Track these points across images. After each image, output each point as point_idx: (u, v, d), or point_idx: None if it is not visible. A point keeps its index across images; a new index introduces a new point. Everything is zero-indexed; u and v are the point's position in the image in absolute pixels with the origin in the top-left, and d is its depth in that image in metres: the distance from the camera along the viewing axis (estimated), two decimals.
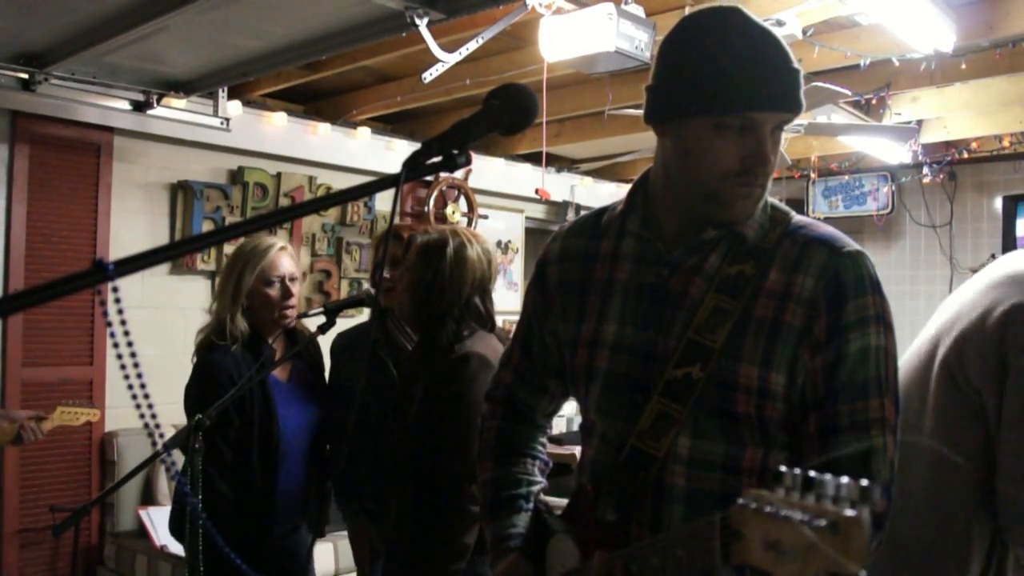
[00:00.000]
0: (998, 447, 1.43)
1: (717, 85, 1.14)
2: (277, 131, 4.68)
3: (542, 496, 1.43)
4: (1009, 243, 6.04)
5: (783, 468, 0.80)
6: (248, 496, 2.22)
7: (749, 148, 1.16)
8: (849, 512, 0.73)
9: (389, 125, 5.49)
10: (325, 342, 2.55)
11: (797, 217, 1.27)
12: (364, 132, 5.07)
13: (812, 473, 0.77)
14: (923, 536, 1.51)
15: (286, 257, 2.34)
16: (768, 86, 1.14)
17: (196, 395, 2.24)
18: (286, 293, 2.30)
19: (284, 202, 4.72)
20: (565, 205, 6.37)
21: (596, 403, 1.29)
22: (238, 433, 2.21)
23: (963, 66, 3.97)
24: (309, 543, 2.52)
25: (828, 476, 0.76)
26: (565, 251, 1.39)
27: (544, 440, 1.50)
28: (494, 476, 1.43)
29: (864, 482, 0.74)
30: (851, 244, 1.21)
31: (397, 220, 5.16)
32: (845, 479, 0.75)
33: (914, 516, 1.49)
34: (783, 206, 1.29)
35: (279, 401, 2.29)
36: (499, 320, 2.30)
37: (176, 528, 2.30)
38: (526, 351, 1.45)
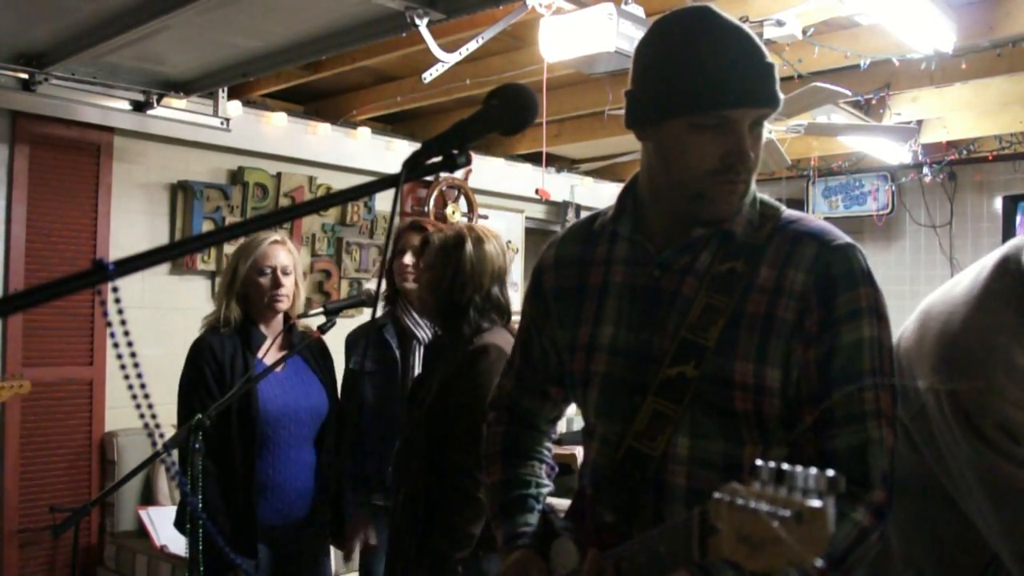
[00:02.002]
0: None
1: (689, 85, 1.15)
2: (277, 131, 4.68)
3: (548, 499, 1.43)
4: None
5: (759, 462, 0.80)
6: (231, 474, 2.30)
7: (727, 145, 1.16)
8: (814, 502, 0.73)
9: (389, 125, 5.49)
10: (336, 340, 2.61)
11: (787, 212, 1.27)
12: (364, 132, 5.07)
13: (784, 466, 0.77)
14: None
15: (279, 249, 2.46)
16: (740, 83, 1.14)
17: (184, 373, 2.40)
18: (276, 282, 2.42)
19: (284, 202, 4.72)
20: (565, 205, 6.36)
21: (595, 407, 1.30)
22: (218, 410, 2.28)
23: (963, 66, 3.97)
24: (313, 538, 2.54)
25: (798, 468, 0.76)
26: (560, 258, 1.40)
27: (549, 445, 1.51)
28: (503, 478, 1.43)
29: (830, 473, 0.74)
30: (841, 237, 1.21)
31: (399, 218, 5.17)
32: (813, 470, 0.75)
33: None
34: (772, 201, 1.29)
35: (263, 384, 2.35)
36: None
37: (180, 523, 2.34)
38: (526, 358, 1.46)
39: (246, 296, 2.43)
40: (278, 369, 2.42)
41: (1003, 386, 1.26)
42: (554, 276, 1.39)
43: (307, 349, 2.51)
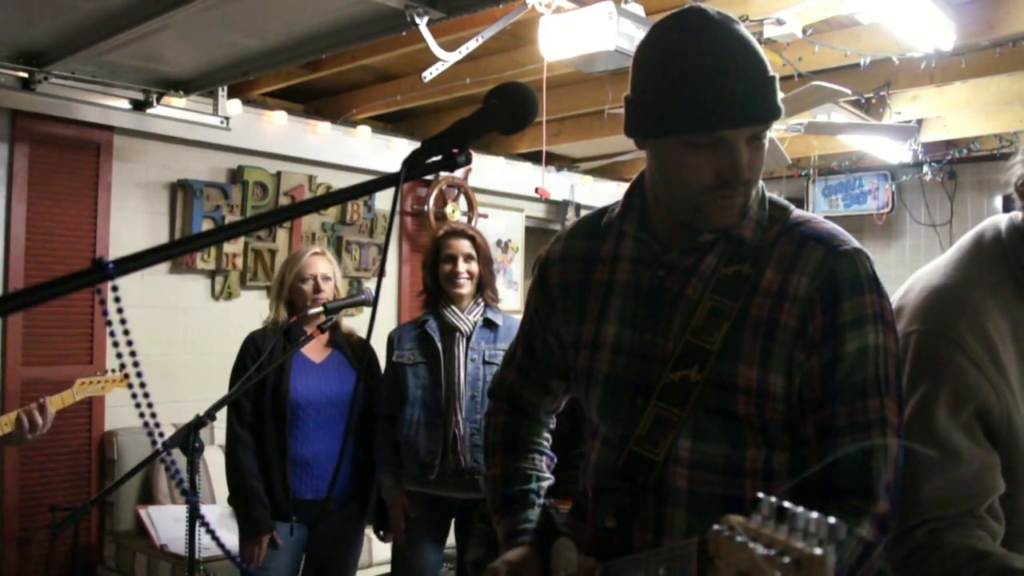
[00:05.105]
0: None
1: (681, 105, 1.12)
2: (277, 130, 4.68)
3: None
4: None
5: (760, 495, 0.79)
6: (266, 446, 2.70)
7: (723, 163, 1.14)
8: (816, 550, 0.71)
9: (389, 124, 5.49)
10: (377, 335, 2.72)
11: (796, 212, 1.25)
12: (364, 131, 5.07)
13: (786, 504, 0.76)
14: None
15: (319, 260, 2.87)
16: (735, 102, 1.10)
17: (234, 363, 2.84)
18: (316, 287, 2.84)
19: (284, 201, 4.72)
20: (565, 204, 6.36)
21: (598, 406, 1.29)
22: (255, 388, 2.69)
23: (963, 65, 3.97)
24: (347, 521, 2.84)
25: (800, 509, 0.74)
26: (566, 252, 1.38)
27: (548, 436, 1.51)
28: (504, 471, 1.43)
29: (831, 520, 0.73)
30: (849, 242, 1.19)
31: (396, 220, 5.16)
32: (815, 514, 0.73)
33: None
34: (782, 201, 1.27)
35: (298, 371, 2.76)
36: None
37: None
38: (529, 350, 1.45)
39: (292, 302, 2.83)
40: (316, 360, 2.82)
41: (961, 336, 1.29)
42: (560, 270, 1.38)
43: (349, 346, 2.89)
